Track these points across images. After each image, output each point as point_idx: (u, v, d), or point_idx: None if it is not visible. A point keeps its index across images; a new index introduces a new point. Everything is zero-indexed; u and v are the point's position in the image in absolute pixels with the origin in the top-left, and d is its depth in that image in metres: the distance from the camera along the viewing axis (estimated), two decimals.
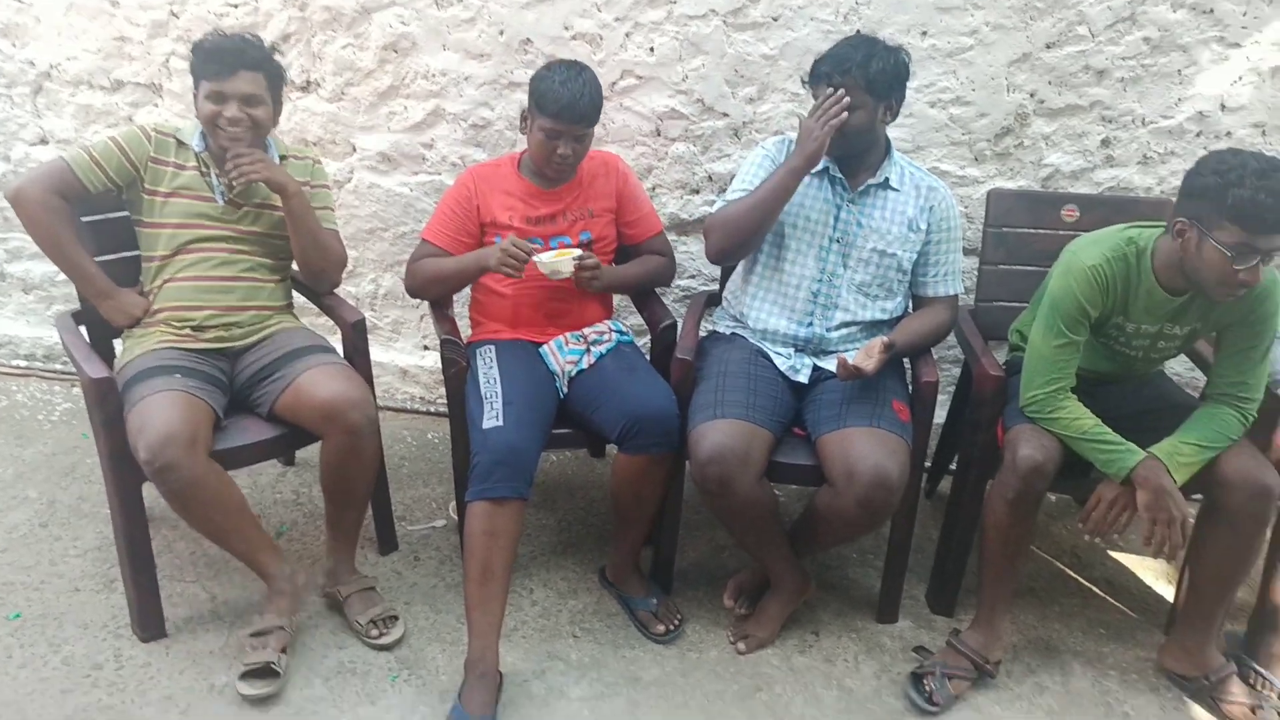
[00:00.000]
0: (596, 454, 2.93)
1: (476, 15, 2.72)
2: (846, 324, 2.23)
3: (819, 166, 2.20)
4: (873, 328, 2.25)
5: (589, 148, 2.26)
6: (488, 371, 2.16)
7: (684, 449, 2.09)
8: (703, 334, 2.39)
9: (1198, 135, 2.61)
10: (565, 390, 2.21)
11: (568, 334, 2.28)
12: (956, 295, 2.30)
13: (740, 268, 2.36)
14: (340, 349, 2.25)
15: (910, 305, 2.33)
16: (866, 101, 2.07)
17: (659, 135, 2.75)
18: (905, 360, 2.30)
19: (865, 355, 2.05)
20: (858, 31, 2.54)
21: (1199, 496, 2.07)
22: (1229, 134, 2.59)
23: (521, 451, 1.98)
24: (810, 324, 2.24)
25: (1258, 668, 2.17)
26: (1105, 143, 2.64)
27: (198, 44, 2.08)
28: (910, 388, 2.25)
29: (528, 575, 2.42)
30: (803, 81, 2.20)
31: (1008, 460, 2.03)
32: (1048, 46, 2.56)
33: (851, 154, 2.16)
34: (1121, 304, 2.02)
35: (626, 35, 2.66)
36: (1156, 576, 2.56)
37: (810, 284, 2.22)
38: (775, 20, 2.60)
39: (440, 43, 2.77)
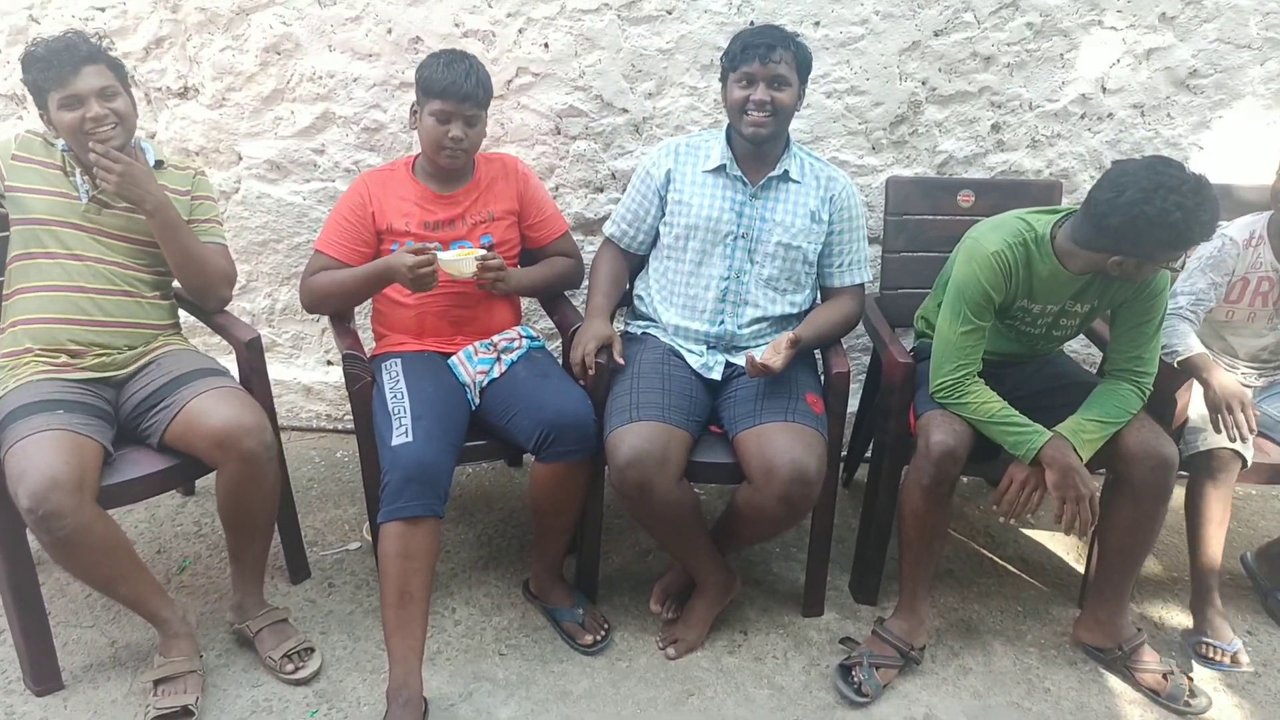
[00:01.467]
0: (514, 464, 2.87)
1: (362, 13, 2.62)
2: (757, 320, 2.22)
3: (716, 163, 2.19)
4: (783, 322, 2.25)
5: (482, 136, 2.20)
6: (394, 386, 2.07)
7: (602, 454, 2.05)
8: None
9: (1082, 118, 2.69)
10: (477, 401, 2.15)
11: (476, 342, 2.21)
12: (863, 285, 2.31)
13: (649, 269, 2.33)
14: (236, 370, 2.13)
15: (819, 297, 2.34)
16: (794, 80, 2.11)
17: (559, 133, 2.69)
18: (817, 351, 2.30)
19: (773, 352, 2.05)
20: (751, 23, 2.54)
21: (1104, 471, 2.13)
22: (1110, 115, 2.68)
23: (433, 467, 1.91)
24: (721, 322, 2.22)
25: (1209, 640, 2.25)
26: (995, 128, 2.70)
27: (27, 56, 1.92)
28: (822, 379, 2.25)
29: (449, 594, 2.34)
30: (726, 71, 2.16)
31: (921, 446, 2.05)
32: (936, 34, 2.60)
33: (775, 135, 2.15)
34: (1025, 287, 2.05)
35: (520, 31, 2.59)
36: (1068, 551, 2.63)
37: (718, 282, 2.20)
38: (669, 13, 2.58)
39: (325, 43, 2.65)
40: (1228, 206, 2.50)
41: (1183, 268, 2.26)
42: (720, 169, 2.19)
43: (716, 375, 2.21)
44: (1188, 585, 2.32)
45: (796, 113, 2.18)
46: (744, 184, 2.19)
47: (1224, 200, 2.50)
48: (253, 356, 2.10)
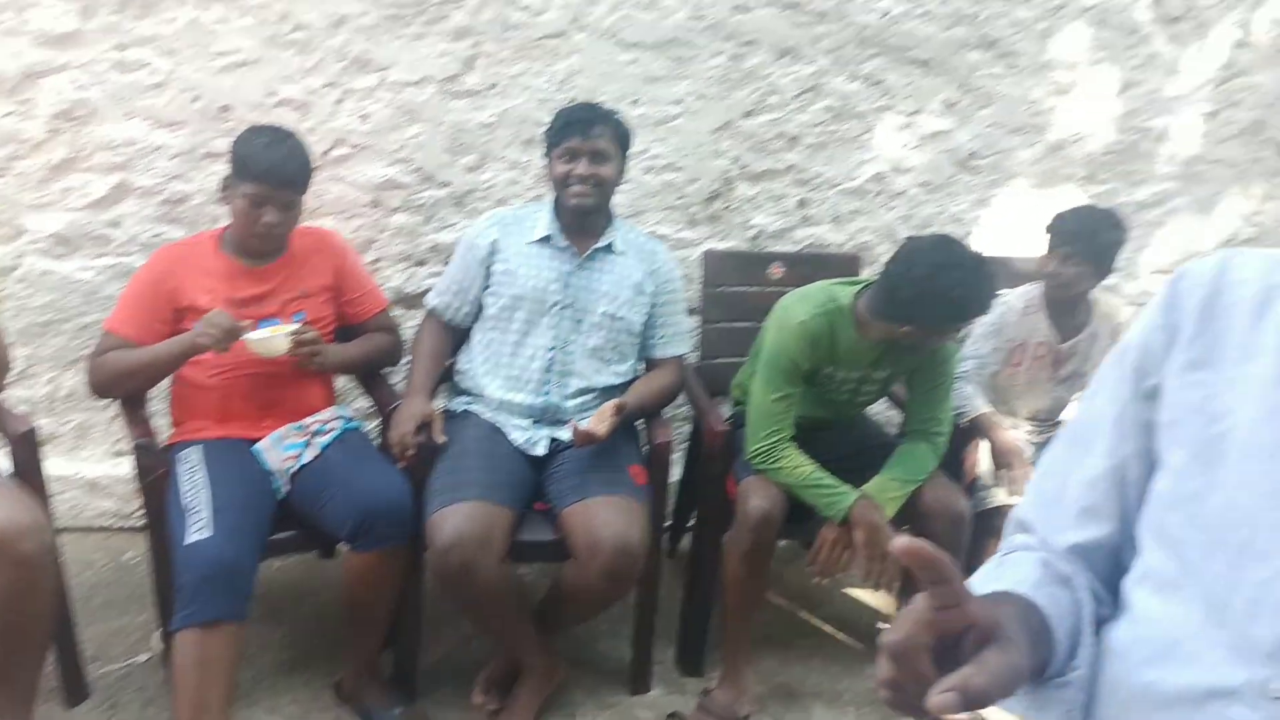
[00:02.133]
0: (326, 554, 2.71)
1: (166, 80, 2.50)
2: (582, 391, 2.24)
3: (543, 234, 2.21)
4: (607, 392, 2.27)
5: (298, 217, 2.13)
6: (192, 476, 1.94)
7: (421, 539, 1.99)
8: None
9: (878, 195, 2.89)
10: (286, 489, 2.04)
11: (286, 426, 2.11)
12: (683, 356, 2.37)
13: (472, 342, 2.31)
14: (8, 466, 1.94)
15: (642, 369, 2.38)
16: (616, 153, 2.17)
17: (377, 206, 2.65)
18: (640, 422, 2.33)
19: (598, 420, 2.06)
20: (573, 100, 2.59)
21: (907, 526, 2.25)
22: (903, 192, 2.89)
23: (235, 565, 1.79)
24: (547, 393, 2.22)
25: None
26: (801, 203, 2.86)
27: None
28: (646, 450, 2.28)
29: (251, 703, 2.16)
30: (550, 147, 2.20)
31: (740, 513, 2.11)
32: (746, 115, 2.74)
33: (599, 206, 2.20)
34: (830, 355, 2.16)
35: (337, 102, 2.54)
36: (881, 607, 2.75)
37: (544, 353, 2.21)
38: (492, 88, 2.60)
39: (123, 110, 2.51)
40: (1005, 276, 2.73)
41: (965, 336, 2.45)
42: (546, 239, 2.22)
43: (541, 451, 2.20)
44: None
45: (618, 187, 2.24)
46: (570, 254, 2.22)
47: (1001, 271, 2.74)
48: (26, 450, 1.92)
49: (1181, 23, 2.87)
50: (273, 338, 1.98)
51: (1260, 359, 0.71)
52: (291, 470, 2.05)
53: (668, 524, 2.62)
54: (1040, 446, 2.58)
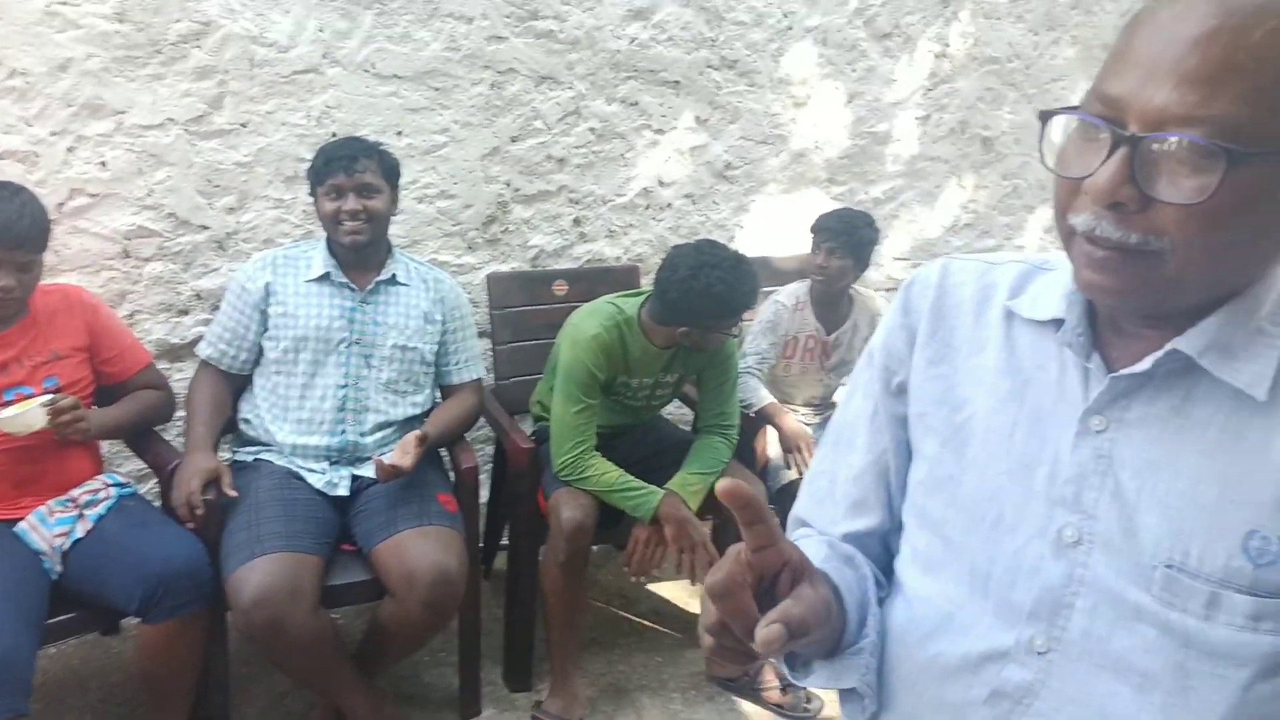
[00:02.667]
0: (109, 631, 2.48)
1: None
2: (380, 426, 2.20)
3: (320, 272, 2.16)
4: (406, 425, 2.24)
5: (38, 278, 1.96)
6: None
7: (221, 600, 1.88)
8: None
9: (647, 208, 3.03)
10: (59, 569, 1.86)
11: (51, 501, 1.92)
12: (480, 379, 2.39)
13: (254, 389, 2.21)
14: None
15: (439, 396, 2.36)
16: (384, 186, 2.15)
17: (129, 256, 2.46)
18: (442, 451, 2.32)
19: (401, 453, 2.04)
20: (333, 135, 2.55)
21: (711, 517, 2.37)
22: (669, 205, 3.06)
23: (8, 658, 1.62)
24: (343, 432, 2.16)
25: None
26: (576, 222, 2.95)
27: None
28: (452, 476, 2.27)
29: None
30: (315, 186, 2.16)
31: (554, 525, 2.15)
32: (513, 140, 2.80)
33: (374, 240, 2.17)
34: (623, 364, 2.26)
35: (69, 150, 2.35)
36: (692, 596, 2.88)
37: (335, 392, 2.15)
38: (244, 126, 2.50)
39: None
40: (769, 276, 2.96)
41: (741, 333, 2.62)
42: (325, 277, 2.16)
43: (343, 491, 2.14)
44: None
45: (393, 218, 2.22)
46: (351, 290, 2.18)
47: (765, 270, 2.96)
48: None
49: (891, 39, 3.23)
50: (25, 413, 1.80)
51: (986, 351, 0.81)
52: (63, 548, 1.87)
53: (480, 545, 2.61)
54: (818, 428, 2.81)
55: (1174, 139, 0.62)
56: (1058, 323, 0.76)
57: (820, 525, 0.94)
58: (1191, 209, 0.62)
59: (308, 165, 2.51)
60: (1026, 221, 3.69)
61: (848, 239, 2.54)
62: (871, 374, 0.90)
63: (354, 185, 2.12)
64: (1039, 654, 0.74)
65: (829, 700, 2.42)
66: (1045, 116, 0.70)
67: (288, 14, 2.49)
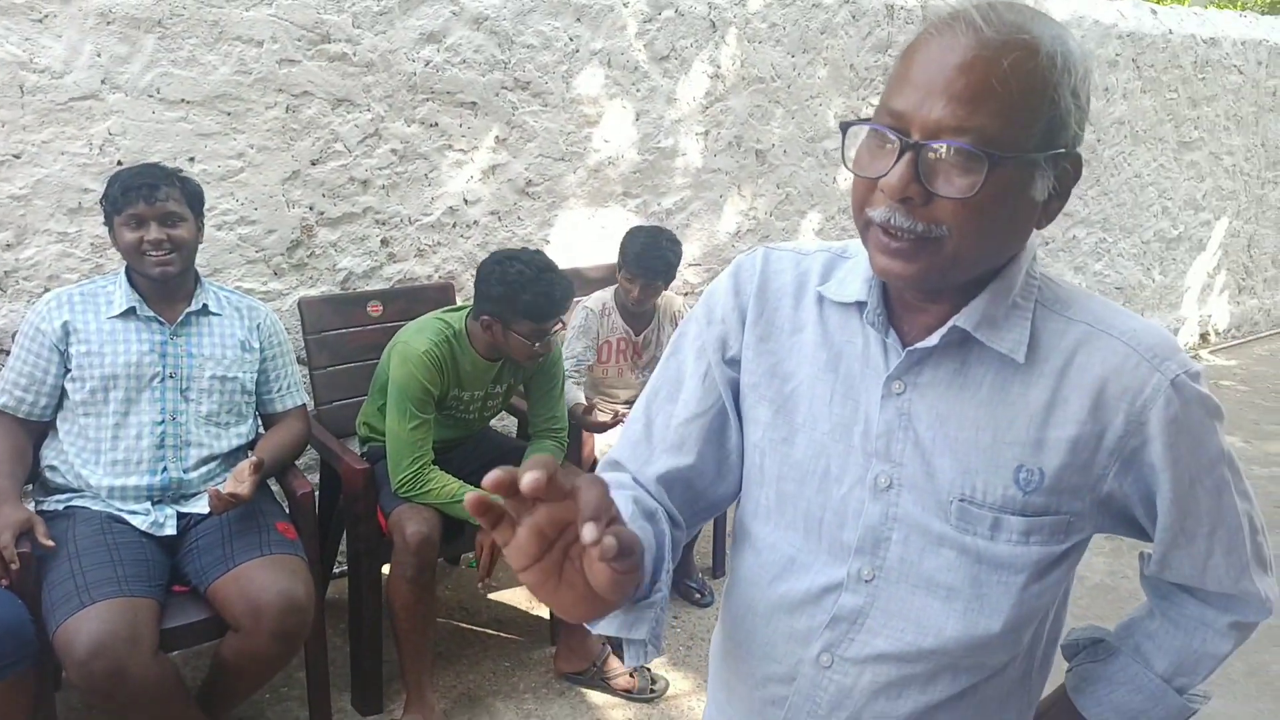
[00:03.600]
0: None
1: None
2: (204, 460, 2.12)
3: (123, 307, 2.07)
4: (230, 457, 2.18)
5: None
6: None
7: (48, 657, 1.77)
8: None
9: (454, 226, 3.09)
10: None
11: None
12: (304, 405, 2.35)
13: (58, 434, 2.07)
14: None
15: (260, 426, 2.31)
16: (188, 214, 2.09)
17: None
18: (269, 481, 2.27)
19: (236, 481, 1.99)
20: (119, 163, 2.43)
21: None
22: (476, 222, 3.13)
23: None
24: (164, 469, 2.07)
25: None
26: (384, 242, 2.96)
27: None
28: (286, 506, 2.23)
29: None
30: (111, 215, 2.06)
31: (398, 542, 2.17)
32: (313, 163, 2.77)
33: (183, 271, 2.10)
34: (455, 378, 2.31)
35: None
36: (529, 602, 2.95)
37: (152, 429, 2.06)
38: (17, 158, 2.33)
39: None
40: (581, 286, 3.10)
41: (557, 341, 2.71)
42: (130, 312, 2.07)
43: (171, 530, 2.05)
44: None
45: (200, 245, 2.16)
46: (160, 323, 2.09)
47: (577, 280, 3.10)
48: None
49: (669, 60, 3.47)
50: None
51: (805, 330, 0.96)
52: None
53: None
54: None
55: (948, 145, 0.76)
56: (860, 305, 0.91)
57: (634, 467, 1.01)
58: (964, 201, 0.76)
59: (92, 195, 2.41)
60: (800, 225, 4.06)
61: (664, 273, 2.76)
62: (705, 340, 1.00)
63: (156, 214, 2.04)
64: (866, 581, 0.90)
65: (674, 679, 2.58)
66: (845, 126, 0.86)
67: (59, 38, 2.35)
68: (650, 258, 2.73)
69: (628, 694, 2.50)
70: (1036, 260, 0.91)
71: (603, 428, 2.63)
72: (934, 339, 0.86)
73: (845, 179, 4.15)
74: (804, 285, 0.97)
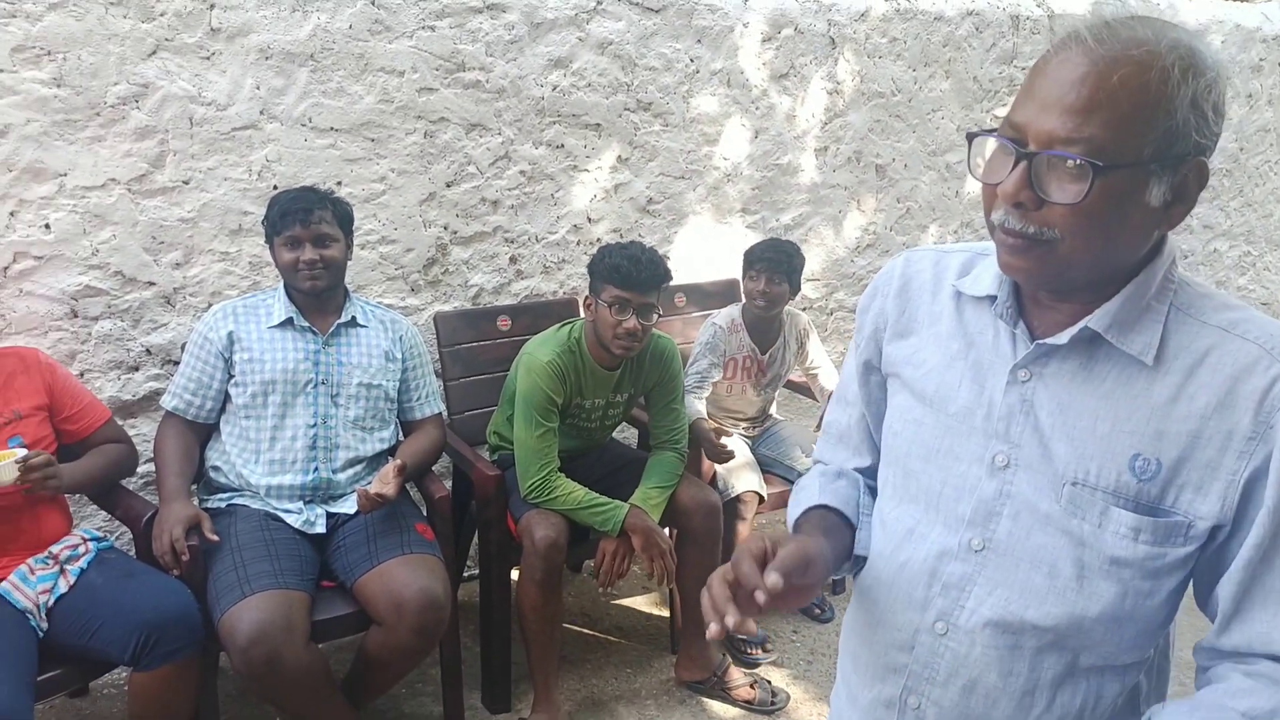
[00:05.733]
0: (77, 694, 2.45)
1: None
2: (351, 462, 2.26)
3: (281, 318, 2.23)
4: (374, 460, 2.32)
5: None
6: None
7: (213, 644, 1.91)
8: None
9: (578, 244, 3.19)
10: (45, 626, 1.86)
11: (30, 559, 1.93)
12: (440, 413, 2.48)
13: (221, 436, 2.24)
14: None
15: (400, 434, 2.44)
16: (339, 235, 2.25)
17: (76, 316, 2.47)
18: (407, 487, 2.39)
19: (381, 482, 2.11)
20: (275, 188, 2.62)
21: (671, 526, 2.52)
22: (598, 239, 3.22)
23: (11, 715, 1.63)
24: (315, 469, 2.22)
25: (741, 637, 2.71)
26: (513, 260, 3.08)
27: None
28: (424, 508, 2.35)
29: None
30: (271, 236, 2.26)
31: (527, 545, 2.26)
32: (448, 185, 2.92)
33: (333, 286, 2.26)
34: (577, 387, 2.39)
35: (12, 214, 2.35)
36: (651, 610, 3.00)
37: (306, 431, 2.21)
38: (186, 184, 2.55)
39: None
40: (697, 299, 3.16)
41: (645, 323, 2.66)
42: (287, 322, 2.23)
43: (321, 529, 2.19)
44: None
45: (349, 262, 2.32)
46: (314, 333, 2.25)
47: (693, 295, 3.16)
48: None
49: (788, 78, 3.50)
50: None
51: (942, 321, 1.03)
52: (47, 605, 1.88)
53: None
54: (754, 441, 2.99)
55: (1058, 155, 0.82)
56: (992, 298, 0.98)
57: (835, 465, 1.18)
58: (1072, 207, 0.82)
59: (251, 217, 2.60)
60: (920, 239, 4.01)
61: (784, 266, 2.76)
62: (861, 338, 1.12)
63: (310, 235, 2.21)
64: (975, 551, 0.96)
65: (795, 693, 2.58)
66: (970, 137, 0.92)
67: (224, 74, 2.56)
68: (772, 251, 2.78)
69: (748, 705, 2.52)
70: (1176, 264, 0.93)
71: (723, 458, 2.63)
72: (1064, 337, 0.91)
73: (967, 192, 4.08)
74: (941, 280, 1.05)
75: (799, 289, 2.85)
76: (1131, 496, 0.88)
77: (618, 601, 3.03)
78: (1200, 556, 0.91)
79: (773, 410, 3.10)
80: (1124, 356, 0.89)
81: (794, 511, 1.14)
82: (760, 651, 2.73)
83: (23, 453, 1.86)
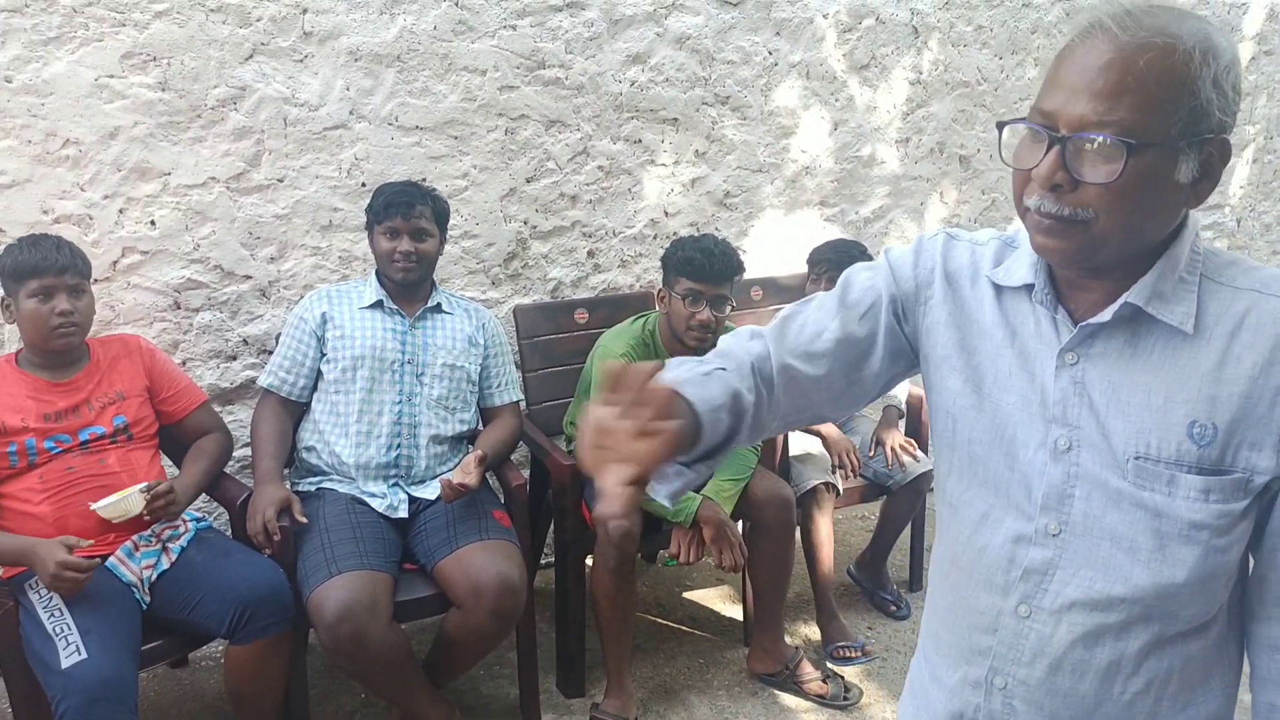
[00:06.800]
0: (178, 664, 2.59)
1: None
2: (433, 440, 2.34)
3: (372, 300, 2.33)
4: (455, 441, 2.40)
5: (91, 308, 2.12)
6: (48, 604, 1.85)
7: (303, 621, 2.01)
8: None
9: (655, 238, 3.22)
10: (148, 599, 1.98)
11: (135, 536, 2.05)
12: (519, 402, 2.54)
13: (313, 415, 2.35)
14: None
15: (480, 421, 2.51)
16: (435, 231, 2.34)
17: (179, 308, 2.61)
18: (487, 475, 2.46)
19: (463, 472, 2.18)
20: (363, 185, 2.72)
21: (743, 519, 2.53)
22: (675, 233, 3.23)
23: (118, 681, 1.75)
24: (398, 446, 2.31)
25: (840, 644, 2.71)
26: (590, 254, 3.13)
27: None
28: (501, 496, 2.42)
29: None
30: (372, 223, 2.38)
31: (601, 534, 2.30)
32: (528, 181, 2.98)
33: (424, 278, 2.37)
34: None
35: (120, 212, 2.50)
36: (724, 603, 3.02)
37: (391, 407, 2.30)
38: (280, 181, 2.66)
39: None
40: (773, 293, 3.15)
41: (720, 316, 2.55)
42: (377, 304, 2.34)
43: (403, 513, 2.28)
44: (812, 604, 2.80)
45: (440, 256, 2.41)
46: (402, 316, 2.35)
47: (768, 289, 3.16)
48: None
49: (869, 69, 3.46)
50: (124, 499, 1.95)
51: (984, 310, 1.03)
52: (150, 579, 2.00)
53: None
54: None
55: (1091, 137, 0.84)
56: (1029, 287, 0.99)
57: (774, 348, 1.07)
58: (1106, 186, 0.84)
59: (341, 213, 2.71)
60: (1007, 231, 3.91)
61: (842, 262, 2.70)
62: (878, 284, 1.07)
63: (409, 229, 2.30)
64: (1053, 535, 0.97)
65: (868, 689, 2.57)
66: (1001, 125, 0.95)
67: (316, 75, 2.66)
68: (834, 252, 2.77)
69: (820, 699, 2.52)
70: (1199, 236, 0.96)
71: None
72: (1106, 314, 0.93)
73: None
74: (978, 271, 1.05)
75: None
76: (1194, 463, 0.90)
77: (689, 594, 3.06)
78: (1257, 507, 0.94)
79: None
80: (1165, 329, 0.91)
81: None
82: (861, 654, 2.71)
83: (143, 485, 1.98)
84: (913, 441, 2.82)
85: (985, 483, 1.02)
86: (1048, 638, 0.98)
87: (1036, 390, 0.98)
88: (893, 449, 2.78)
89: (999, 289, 1.02)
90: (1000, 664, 1.01)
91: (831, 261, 2.74)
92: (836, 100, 3.43)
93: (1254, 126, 4.48)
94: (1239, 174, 4.53)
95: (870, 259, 2.79)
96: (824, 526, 2.73)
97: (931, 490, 2.93)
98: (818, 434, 2.73)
